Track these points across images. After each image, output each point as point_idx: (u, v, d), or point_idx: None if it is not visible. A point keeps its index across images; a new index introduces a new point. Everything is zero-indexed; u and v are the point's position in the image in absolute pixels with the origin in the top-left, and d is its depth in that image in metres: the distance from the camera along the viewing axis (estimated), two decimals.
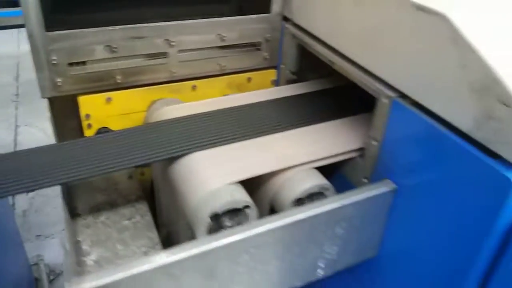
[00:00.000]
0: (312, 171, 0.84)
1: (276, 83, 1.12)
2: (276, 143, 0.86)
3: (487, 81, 0.58)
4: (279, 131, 0.89)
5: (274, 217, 0.69)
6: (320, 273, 0.81)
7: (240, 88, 1.08)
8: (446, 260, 0.71)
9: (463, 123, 0.63)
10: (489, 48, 0.60)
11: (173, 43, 0.95)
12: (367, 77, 0.81)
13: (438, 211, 0.71)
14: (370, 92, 0.80)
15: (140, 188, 0.99)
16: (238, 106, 0.95)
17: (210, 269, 0.65)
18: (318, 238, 0.75)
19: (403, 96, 0.74)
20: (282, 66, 1.08)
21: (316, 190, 0.81)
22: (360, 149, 0.87)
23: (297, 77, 1.07)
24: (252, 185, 0.84)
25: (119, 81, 0.94)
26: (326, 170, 0.87)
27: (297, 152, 0.83)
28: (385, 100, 0.77)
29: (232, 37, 1.01)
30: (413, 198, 0.75)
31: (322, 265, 0.80)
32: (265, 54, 1.07)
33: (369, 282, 0.90)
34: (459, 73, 0.62)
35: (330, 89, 1.04)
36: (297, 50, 1.04)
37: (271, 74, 1.11)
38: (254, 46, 1.06)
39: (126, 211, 0.93)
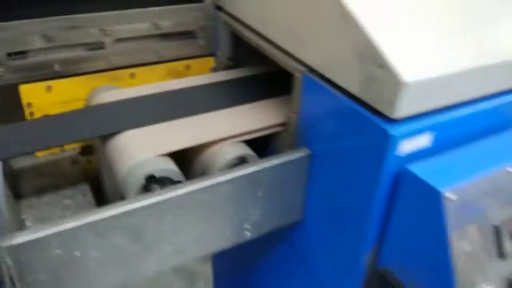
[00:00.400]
0: (238, 144, 0.91)
1: (215, 70, 1.19)
2: (205, 120, 0.94)
3: (366, 48, 0.68)
4: (210, 111, 0.97)
5: (196, 180, 0.77)
6: (248, 234, 0.88)
7: (179, 76, 1.15)
8: (354, 216, 0.80)
9: (353, 87, 0.72)
10: (370, 19, 0.69)
11: (108, 33, 1.01)
12: (283, 55, 0.90)
13: (344, 171, 0.80)
14: (288, 69, 0.89)
15: (83, 172, 1.05)
16: (173, 90, 1.02)
17: (135, 228, 0.72)
18: (241, 201, 0.83)
19: (312, 70, 0.83)
20: (219, 53, 1.16)
21: (237, 161, 0.88)
22: (284, 124, 0.95)
23: (234, 64, 1.15)
24: (188, 160, 0.91)
25: (57, 69, 1.00)
26: (260, 146, 0.95)
27: (221, 127, 0.91)
28: (297, 75, 0.85)
29: (167, 26, 1.09)
30: (326, 162, 0.84)
31: (248, 227, 0.88)
32: (201, 42, 1.15)
33: (299, 243, 0.99)
34: (347, 43, 0.72)
35: (262, 74, 1.12)
36: (231, 38, 1.12)
37: (210, 61, 1.18)
38: (189, 35, 1.13)
39: (68, 192, 0.99)
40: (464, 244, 0.67)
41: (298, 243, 0.99)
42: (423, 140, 0.71)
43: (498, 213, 0.69)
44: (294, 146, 0.92)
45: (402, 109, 0.66)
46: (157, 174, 0.80)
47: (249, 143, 0.94)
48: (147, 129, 0.90)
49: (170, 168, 0.81)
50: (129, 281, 0.76)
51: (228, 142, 0.91)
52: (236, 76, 1.08)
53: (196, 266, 0.94)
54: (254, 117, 0.96)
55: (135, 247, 0.74)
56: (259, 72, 1.13)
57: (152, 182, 0.80)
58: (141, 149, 0.83)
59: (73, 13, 0.98)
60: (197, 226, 0.80)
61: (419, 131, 0.70)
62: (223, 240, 0.85)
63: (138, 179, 0.79)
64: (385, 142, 0.68)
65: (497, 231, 0.69)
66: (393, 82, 0.65)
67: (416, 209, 0.70)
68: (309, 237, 0.94)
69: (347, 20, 0.70)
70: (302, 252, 0.99)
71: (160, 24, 1.07)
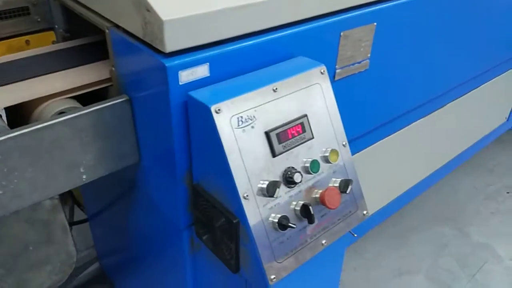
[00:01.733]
0: (67, 99, 1.02)
1: (55, 43, 1.27)
2: (36, 82, 1.03)
3: None
4: (42, 75, 1.06)
5: (17, 128, 0.86)
6: (84, 177, 1.00)
7: (21, 50, 1.22)
8: (166, 145, 0.93)
9: (139, 32, 0.86)
10: None
11: None
12: (94, 15, 1.01)
13: (152, 110, 0.93)
14: (100, 27, 1.00)
15: None
16: (7, 61, 1.09)
17: None
18: (67, 146, 0.93)
19: (115, 25, 0.95)
20: (56, 27, 1.24)
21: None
22: (109, 79, 1.07)
23: (71, 36, 1.24)
24: (26, 118, 1.00)
25: None
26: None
27: (50, 86, 1.01)
28: (106, 31, 0.97)
29: None
30: (141, 105, 0.97)
31: (83, 170, 0.99)
32: (37, 17, 1.22)
33: (141, 182, 1.12)
34: None
35: (96, 42, 1.22)
36: (64, 11, 1.21)
37: (51, 35, 1.26)
38: (24, 11, 1.20)
39: None
40: (245, 149, 0.83)
41: (140, 182, 1.12)
42: (202, 71, 0.86)
43: (268, 121, 0.86)
44: None
45: (172, 44, 0.80)
46: None
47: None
48: None
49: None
50: None
51: (57, 98, 1.01)
52: (69, 46, 1.17)
53: (49, 216, 1.03)
54: (83, 76, 1.06)
55: None
56: (92, 41, 1.23)
57: None
58: None
59: None
60: (30, 171, 0.90)
61: (196, 63, 0.84)
62: (61, 183, 0.95)
63: None
64: (165, 74, 0.82)
65: (268, 136, 0.86)
66: (157, 21, 0.79)
67: (200, 127, 0.85)
68: (146, 175, 1.08)
69: None
70: (144, 189, 1.12)
71: None
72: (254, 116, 0.85)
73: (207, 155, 0.87)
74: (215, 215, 0.89)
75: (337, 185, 0.93)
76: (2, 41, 1.19)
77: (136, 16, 0.84)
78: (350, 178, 0.96)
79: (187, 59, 0.83)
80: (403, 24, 1.22)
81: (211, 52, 0.86)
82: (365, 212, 1.00)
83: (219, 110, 0.80)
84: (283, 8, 0.94)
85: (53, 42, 1.26)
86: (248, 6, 0.88)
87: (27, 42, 1.22)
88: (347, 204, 0.97)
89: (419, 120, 1.67)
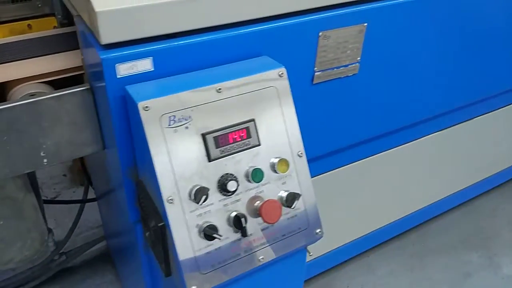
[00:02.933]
0: (38, 84, 1.05)
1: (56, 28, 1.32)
2: (16, 66, 1.07)
3: None
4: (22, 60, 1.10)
5: None
6: (45, 161, 1.02)
7: (23, 33, 1.28)
8: (111, 139, 0.91)
9: (88, 22, 0.85)
10: None
11: None
12: (69, 4, 1.02)
13: (102, 98, 0.92)
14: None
15: None
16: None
17: None
18: (29, 130, 0.96)
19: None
20: (56, 13, 1.28)
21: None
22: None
23: (69, 22, 1.27)
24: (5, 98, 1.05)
25: None
26: None
27: (24, 70, 1.04)
28: (75, 19, 0.98)
29: None
30: (99, 95, 0.96)
31: (44, 154, 1.01)
32: (38, 3, 1.27)
33: (107, 168, 1.12)
34: None
35: None
36: None
37: (52, 21, 1.31)
38: None
39: None
40: (174, 150, 0.79)
41: (107, 168, 1.13)
42: (144, 65, 0.83)
43: (204, 122, 0.81)
44: None
45: (107, 36, 0.78)
46: None
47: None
48: None
49: None
50: None
51: (31, 82, 1.04)
52: (59, 33, 1.21)
53: (18, 194, 1.08)
54: (58, 62, 1.08)
55: None
56: None
57: None
58: None
59: None
60: None
61: (137, 56, 0.82)
62: (20, 164, 0.98)
63: None
64: (102, 66, 0.80)
65: (204, 139, 0.81)
66: (93, 12, 0.77)
67: (134, 124, 0.82)
68: (107, 165, 1.08)
69: None
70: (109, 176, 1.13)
71: None
72: (189, 117, 0.80)
73: (141, 153, 0.84)
74: (150, 214, 0.87)
75: (285, 197, 0.86)
76: (5, 24, 1.25)
77: (84, 6, 0.83)
78: (300, 191, 0.88)
79: (125, 52, 0.81)
80: (402, 26, 1.09)
81: (156, 46, 0.83)
82: (318, 230, 0.91)
83: (147, 107, 0.77)
84: (239, 5, 0.87)
85: (55, 27, 1.31)
86: (195, 1, 0.83)
87: (29, 26, 1.28)
88: (296, 220, 0.89)
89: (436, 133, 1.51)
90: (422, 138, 1.50)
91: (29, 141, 0.97)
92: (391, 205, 1.70)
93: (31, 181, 1.16)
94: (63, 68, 1.06)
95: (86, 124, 1.02)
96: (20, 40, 1.15)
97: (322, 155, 1.22)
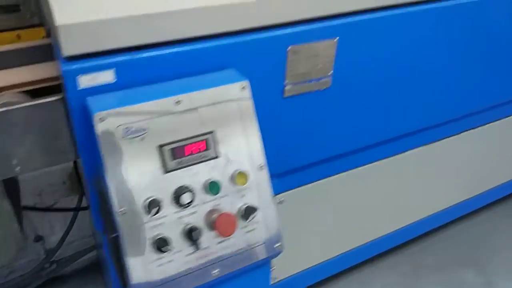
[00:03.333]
0: (15, 94, 1.07)
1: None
2: None
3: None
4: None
5: None
6: (18, 169, 1.04)
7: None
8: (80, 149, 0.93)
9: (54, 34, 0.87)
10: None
11: None
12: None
13: (77, 109, 0.94)
14: None
15: None
16: None
17: None
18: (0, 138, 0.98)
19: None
20: (44, 24, 1.32)
21: None
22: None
23: None
24: None
25: None
26: None
27: (4, 79, 1.07)
28: (51, 30, 1.00)
29: None
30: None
31: (15, 162, 1.03)
32: (26, 14, 1.31)
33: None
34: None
35: None
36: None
37: (42, 32, 1.34)
38: (14, 7, 1.30)
39: None
40: (128, 161, 0.80)
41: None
42: (105, 76, 0.85)
43: (161, 134, 0.82)
44: None
45: (69, 49, 0.80)
46: None
47: None
48: None
49: None
50: None
51: (10, 91, 1.07)
52: (45, 43, 1.24)
53: None
54: (37, 72, 1.11)
55: None
56: None
57: None
58: None
59: None
60: None
61: (98, 68, 0.83)
62: None
63: None
64: (63, 77, 0.82)
65: (160, 151, 0.82)
66: (54, 25, 0.79)
67: (93, 133, 0.83)
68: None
69: None
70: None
71: None
72: (145, 128, 0.81)
73: (100, 163, 0.85)
74: (108, 225, 0.87)
75: (242, 210, 0.86)
76: None
77: (50, 19, 0.86)
78: (259, 204, 0.87)
79: (87, 64, 0.82)
80: (375, 40, 1.08)
81: (118, 59, 0.84)
82: (278, 245, 0.90)
83: (102, 118, 0.78)
84: (205, 19, 0.88)
85: (44, 37, 1.34)
86: (158, 16, 0.84)
87: (18, 36, 1.32)
88: (254, 233, 0.88)
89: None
90: (408, 151, 1.47)
91: (0, 149, 1.00)
92: (382, 219, 1.67)
93: (10, 188, 1.18)
94: (44, 78, 1.08)
95: (59, 134, 1.04)
96: (5, 51, 1.19)
97: (298, 167, 1.22)
